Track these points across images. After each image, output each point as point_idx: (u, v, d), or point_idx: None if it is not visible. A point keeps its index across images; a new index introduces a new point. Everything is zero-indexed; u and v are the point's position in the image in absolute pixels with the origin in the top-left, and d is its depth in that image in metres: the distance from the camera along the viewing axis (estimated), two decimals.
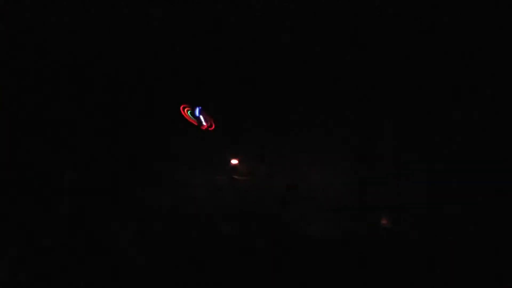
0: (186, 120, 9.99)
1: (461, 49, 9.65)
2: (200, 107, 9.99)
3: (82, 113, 9.84)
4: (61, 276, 8.17)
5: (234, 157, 10.04)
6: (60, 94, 9.77)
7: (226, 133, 10.04)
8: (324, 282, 8.51)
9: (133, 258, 8.72)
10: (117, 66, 9.90)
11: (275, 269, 8.65)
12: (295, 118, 10.02)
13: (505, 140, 9.63)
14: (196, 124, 10.06)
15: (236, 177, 9.98)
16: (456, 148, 9.85)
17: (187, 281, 8.40)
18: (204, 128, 10.08)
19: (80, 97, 9.83)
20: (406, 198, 9.77)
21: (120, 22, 9.59)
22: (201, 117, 10.03)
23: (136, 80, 10.01)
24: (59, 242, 8.87)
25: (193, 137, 9.98)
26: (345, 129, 9.95)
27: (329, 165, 9.79)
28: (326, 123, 9.97)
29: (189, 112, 10.03)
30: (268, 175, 9.90)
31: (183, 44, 9.95)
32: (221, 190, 9.89)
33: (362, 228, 9.62)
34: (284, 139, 10.01)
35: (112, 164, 9.88)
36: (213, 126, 10.12)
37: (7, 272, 8.09)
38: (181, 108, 9.99)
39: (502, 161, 9.56)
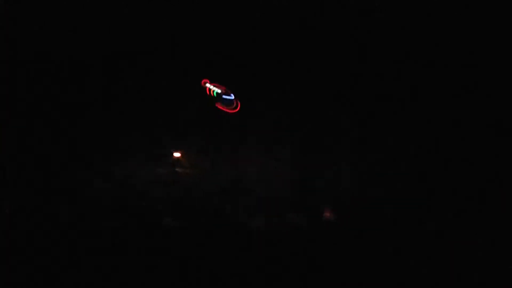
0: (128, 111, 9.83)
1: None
2: (232, 94, 10.00)
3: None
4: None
5: (177, 150, 9.94)
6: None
7: (169, 126, 9.91)
8: (268, 274, 8.57)
9: (75, 253, 8.58)
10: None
11: (219, 262, 8.67)
12: (238, 111, 10.00)
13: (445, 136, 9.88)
14: (221, 107, 10.02)
15: (179, 170, 9.90)
16: (398, 142, 10.04)
17: (132, 276, 8.32)
18: (231, 111, 10.03)
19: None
20: (348, 190, 9.93)
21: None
22: (232, 99, 10.01)
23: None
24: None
25: (135, 130, 9.83)
26: (288, 122, 10.00)
27: (272, 158, 9.84)
28: (269, 116, 10.01)
29: (215, 93, 10.01)
30: (211, 168, 9.86)
31: None
32: (164, 183, 9.80)
33: (305, 221, 9.72)
34: (228, 132, 9.99)
35: (52, 157, 9.64)
36: (238, 107, 10.05)
37: None
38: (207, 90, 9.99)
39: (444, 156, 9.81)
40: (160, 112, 9.91)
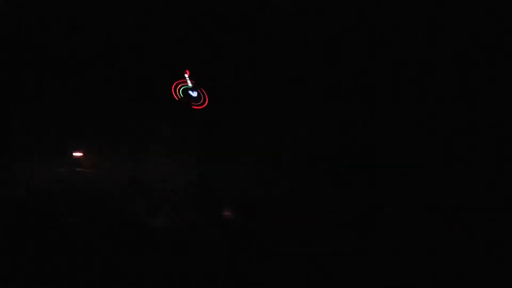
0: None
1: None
2: (198, 86, 9.89)
3: None
4: None
5: (77, 150, 9.94)
6: None
7: (69, 124, 9.91)
8: (168, 273, 8.60)
9: None
10: None
11: (118, 262, 8.65)
12: (138, 111, 10.12)
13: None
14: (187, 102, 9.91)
15: (78, 169, 9.88)
16: (304, 139, 10.34)
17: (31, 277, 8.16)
18: (197, 107, 9.95)
19: None
20: (248, 190, 10.17)
21: None
22: (197, 94, 9.93)
23: None
24: None
25: (33, 127, 9.74)
26: (187, 123, 10.21)
27: (172, 158, 9.98)
28: (169, 116, 10.18)
29: (181, 90, 9.88)
30: (111, 167, 9.89)
31: None
32: (63, 183, 9.74)
33: (204, 220, 9.87)
34: (127, 132, 10.08)
35: None
36: (206, 102, 9.94)
37: None
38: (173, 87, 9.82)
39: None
40: (61, 111, 9.89)
